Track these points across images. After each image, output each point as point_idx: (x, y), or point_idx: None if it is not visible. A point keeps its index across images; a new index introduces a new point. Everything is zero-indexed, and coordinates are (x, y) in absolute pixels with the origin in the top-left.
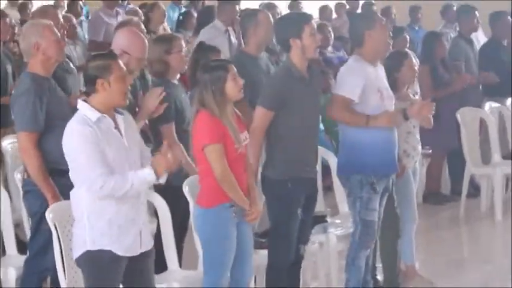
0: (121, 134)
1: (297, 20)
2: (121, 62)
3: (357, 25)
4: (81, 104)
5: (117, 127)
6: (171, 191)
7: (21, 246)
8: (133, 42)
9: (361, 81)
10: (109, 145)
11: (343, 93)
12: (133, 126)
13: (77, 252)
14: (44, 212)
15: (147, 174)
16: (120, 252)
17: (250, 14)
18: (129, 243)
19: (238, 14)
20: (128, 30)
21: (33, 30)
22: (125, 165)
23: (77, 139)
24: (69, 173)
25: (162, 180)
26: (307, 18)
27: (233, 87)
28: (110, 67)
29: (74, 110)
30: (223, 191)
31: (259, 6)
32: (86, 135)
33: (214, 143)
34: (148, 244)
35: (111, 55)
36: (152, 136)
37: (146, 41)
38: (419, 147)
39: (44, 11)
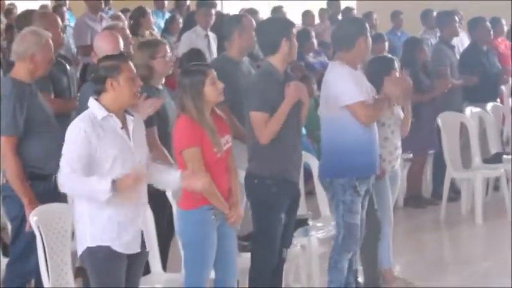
0: (128, 134)
1: (285, 22)
2: (131, 63)
3: (349, 30)
4: (91, 102)
5: (124, 127)
6: (156, 196)
7: (5, 250)
8: (102, 44)
9: (358, 87)
10: (110, 144)
11: (354, 100)
12: (142, 128)
13: (80, 249)
14: (23, 216)
15: (104, 185)
16: (119, 249)
17: (234, 19)
18: (129, 241)
19: (214, 18)
20: (101, 33)
21: (33, 39)
22: (128, 164)
23: (71, 133)
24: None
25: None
26: (292, 22)
27: (212, 90)
28: (120, 67)
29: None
30: (202, 193)
31: (240, 11)
32: (80, 132)
33: (191, 147)
34: (149, 244)
35: (121, 56)
36: None
37: (118, 43)
38: (398, 151)
39: (44, 16)
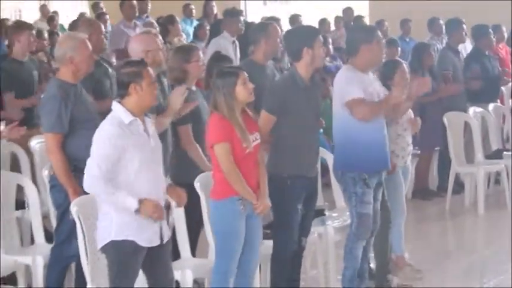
0: (148, 135)
1: (308, 31)
2: (150, 69)
3: (354, 37)
4: (115, 106)
5: (145, 129)
6: (188, 188)
7: (49, 236)
8: (134, 46)
9: (358, 87)
10: (137, 145)
11: (351, 97)
12: (153, 127)
13: (101, 243)
14: (68, 205)
15: (131, 203)
16: (141, 243)
17: (261, 26)
18: (150, 236)
19: (243, 26)
20: (134, 36)
21: (69, 43)
22: (151, 163)
23: (101, 137)
24: None
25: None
26: (317, 31)
27: (243, 91)
28: (142, 73)
29: (106, 112)
30: (231, 185)
31: (262, 19)
32: (109, 136)
33: (221, 142)
34: (166, 236)
35: (142, 62)
36: (172, 136)
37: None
38: (410, 148)
39: (90, 23)
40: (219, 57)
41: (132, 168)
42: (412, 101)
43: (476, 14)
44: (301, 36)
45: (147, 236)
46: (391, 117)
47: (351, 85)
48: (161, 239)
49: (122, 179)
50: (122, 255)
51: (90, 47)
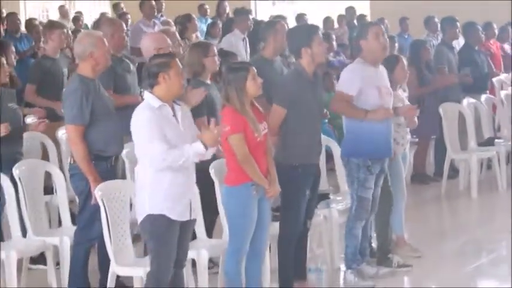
0: (177, 120)
1: (306, 31)
2: (178, 60)
3: (354, 37)
4: (147, 94)
5: (174, 115)
6: (204, 174)
7: (75, 219)
8: (146, 43)
9: (357, 79)
10: (166, 128)
11: (341, 89)
12: (189, 114)
13: (140, 217)
14: (89, 192)
15: (198, 147)
16: (173, 217)
17: (270, 24)
18: (181, 210)
19: (252, 24)
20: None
21: (89, 40)
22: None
23: (142, 121)
24: (135, 150)
25: (209, 154)
26: (315, 29)
27: (253, 85)
28: (170, 63)
29: (126, 106)
30: (245, 172)
31: (270, 17)
32: (149, 118)
33: (236, 133)
34: (195, 213)
35: (170, 54)
36: None
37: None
38: (408, 136)
39: (112, 22)
40: (224, 53)
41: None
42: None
43: (471, 14)
44: (299, 36)
45: (178, 210)
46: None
47: (347, 76)
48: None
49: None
50: (156, 229)
51: (106, 43)
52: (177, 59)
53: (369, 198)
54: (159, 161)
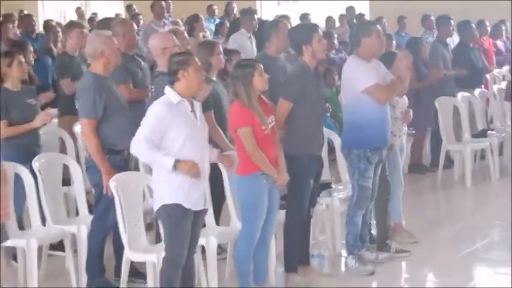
0: (195, 116)
1: (306, 30)
2: (196, 58)
3: (356, 32)
4: (167, 89)
5: (193, 110)
6: (211, 165)
7: (91, 209)
8: (153, 42)
9: (370, 74)
10: (182, 123)
11: (370, 83)
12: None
13: (157, 206)
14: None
15: (168, 162)
16: (188, 206)
17: (273, 24)
18: (196, 200)
19: (257, 23)
20: (153, 34)
21: (99, 39)
22: (197, 141)
23: (151, 111)
24: None
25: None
26: (315, 28)
27: (260, 80)
28: (189, 61)
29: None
30: (254, 162)
31: (275, 17)
32: (157, 112)
33: (244, 126)
34: (208, 203)
35: (189, 53)
36: None
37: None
38: (405, 129)
39: (123, 22)
40: (228, 52)
41: (177, 144)
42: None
43: (465, 12)
44: (300, 34)
45: (193, 200)
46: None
47: (362, 74)
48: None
49: (168, 152)
50: (172, 217)
51: (116, 41)
52: (195, 57)
53: (369, 187)
54: (133, 144)
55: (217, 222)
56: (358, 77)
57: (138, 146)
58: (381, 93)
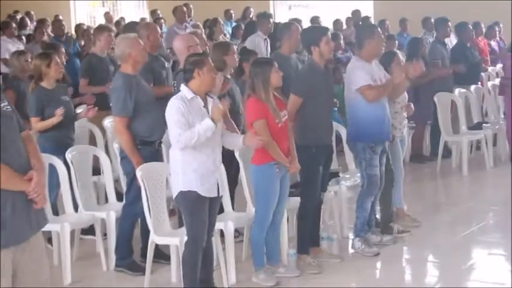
0: (208, 111)
1: (315, 32)
2: (210, 59)
3: (360, 34)
4: (183, 87)
5: (205, 106)
6: (227, 155)
7: (119, 196)
8: (176, 44)
9: (366, 75)
10: (196, 117)
11: (363, 83)
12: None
13: (174, 193)
14: (135, 173)
15: (206, 123)
16: (202, 193)
17: (286, 26)
18: (209, 187)
19: (272, 26)
20: (176, 36)
21: (125, 42)
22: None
23: (171, 110)
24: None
25: (217, 126)
26: (324, 30)
27: (276, 77)
28: (203, 61)
29: (163, 96)
30: (268, 153)
31: (289, 20)
32: (177, 108)
33: (259, 119)
34: (222, 190)
35: (204, 53)
36: None
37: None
38: (405, 122)
39: (148, 25)
40: (246, 51)
41: None
42: (409, 81)
43: (464, 14)
44: (309, 36)
45: (207, 187)
46: (392, 95)
47: (359, 74)
48: (218, 192)
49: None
50: (188, 203)
51: (141, 42)
52: (209, 58)
53: (377, 175)
54: (175, 143)
55: (232, 207)
56: (355, 77)
57: (183, 139)
58: (369, 93)
